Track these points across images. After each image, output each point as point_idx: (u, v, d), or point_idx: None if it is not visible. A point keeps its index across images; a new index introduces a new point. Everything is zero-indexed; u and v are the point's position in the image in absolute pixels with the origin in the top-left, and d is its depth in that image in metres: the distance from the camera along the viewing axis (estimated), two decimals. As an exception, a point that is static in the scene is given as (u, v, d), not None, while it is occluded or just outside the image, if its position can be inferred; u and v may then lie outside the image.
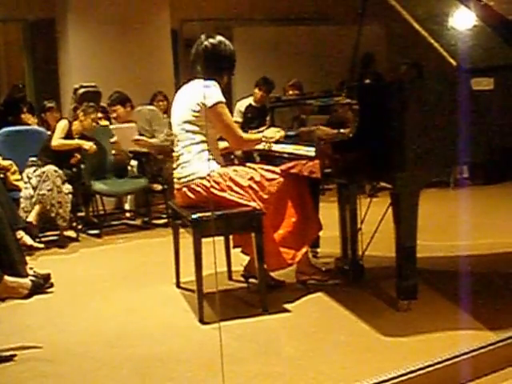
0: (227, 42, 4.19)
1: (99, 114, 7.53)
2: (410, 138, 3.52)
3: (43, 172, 6.04)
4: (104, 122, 7.55)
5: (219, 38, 4.19)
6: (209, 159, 4.00)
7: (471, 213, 6.03)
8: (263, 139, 4.25)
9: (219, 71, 4.16)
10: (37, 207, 5.98)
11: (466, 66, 3.60)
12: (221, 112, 4.02)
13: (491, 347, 2.95)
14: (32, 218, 5.92)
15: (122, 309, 4.19)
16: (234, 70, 4.25)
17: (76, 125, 6.57)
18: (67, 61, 8.43)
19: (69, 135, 6.46)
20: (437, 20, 3.94)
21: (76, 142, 6.48)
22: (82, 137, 6.60)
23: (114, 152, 6.96)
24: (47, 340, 3.62)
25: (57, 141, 6.35)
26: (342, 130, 3.77)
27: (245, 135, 4.24)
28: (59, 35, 8.68)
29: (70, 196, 6.18)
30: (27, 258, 5.28)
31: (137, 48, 8.33)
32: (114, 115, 7.12)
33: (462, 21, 4.01)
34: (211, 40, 4.14)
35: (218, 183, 3.96)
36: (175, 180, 4.15)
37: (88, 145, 6.46)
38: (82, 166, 6.57)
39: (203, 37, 4.17)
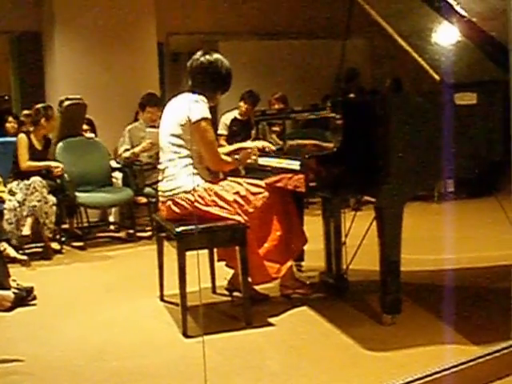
0: (224, 61, 4.17)
1: (85, 126, 7.52)
2: (394, 152, 3.53)
3: (29, 184, 6.03)
4: (89, 135, 7.53)
5: (216, 55, 4.17)
6: (194, 173, 4.00)
7: (455, 226, 6.06)
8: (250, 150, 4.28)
9: (213, 89, 4.16)
10: (29, 220, 5.98)
11: (449, 80, 3.62)
12: (204, 129, 4.00)
13: (476, 362, 2.94)
14: (27, 231, 5.93)
15: (105, 322, 4.17)
16: (228, 88, 4.24)
17: (38, 132, 6.53)
18: (53, 73, 8.41)
19: (31, 147, 6.43)
20: (421, 35, 3.97)
21: (44, 164, 6.43)
22: (46, 139, 6.62)
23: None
24: (29, 353, 3.59)
25: (25, 163, 6.32)
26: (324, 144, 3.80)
27: (223, 157, 4.22)
28: (46, 48, 8.67)
29: (55, 208, 6.17)
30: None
31: (123, 61, 8.32)
32: (148, 116, 7.16)
33: (446, 36, 4.04)
34: (208, 57, 4.13)
35: (202, 198, 3.96)
36: (160, 193, 4.15)
37: (56, 166, 6.45)
38: (66, 178, 6.53)
39: (200, 53, 4.17)
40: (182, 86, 4.24)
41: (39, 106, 6.61)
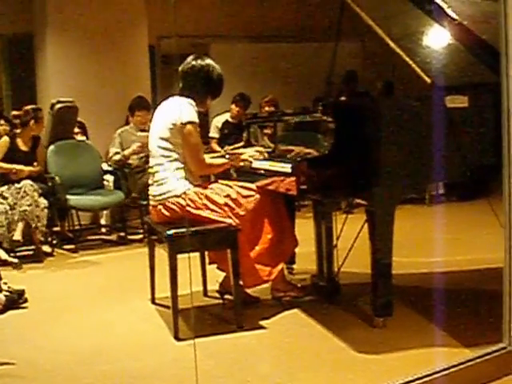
0: (216, 67, 4.19)
1: (76, 129, 7.50)
2: (386, 155, 3.54)
3: (20, 188, 6.01)
4: (81, 137, 7.52)
5: (208, 60, 4.19)
6: (184, 177, 4.00)
7: (446, 229, 6.06)
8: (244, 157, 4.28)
9: (203, 93, 4.16)
10: (20, 224, 5.95)
11: (440, 83, 3.63)
12: (189, 132, 4.00)
13: (466, 364, 2.94)
14: (18, 235, 5.90)
15: (96, 325, 4.16)
16: (219, 94, 4.25)
17: (25, 133, 6.52)
18: (45, 76, 8.39)
19: (15, 149, 6.43)
20: (412, 38, 3.98)
21: (9, 166, 6.35)
22: (34, 139, 6.61)
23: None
24: (21, 356, 3.58)
25: None
26: (307, 150, 3.82)
27: (208, 160, 4.22)
28: (37, 50, 8.65)
29: (46, 211, 6.14)
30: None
31: (114, 63, 8.31)
32: (138, 119, 7.21)
33: (437, 39, 4.05)
34: (199, 61, 4.15)
35: (193, 201, 3.95)
36: (150, 197, 4.14)
37: (20, 169, 6.35)
38: (58, 181, 6.51)
39: (192, 57, 4.18)
40: (174, 89, 4.24)
41: (29, 107, 6.60)
